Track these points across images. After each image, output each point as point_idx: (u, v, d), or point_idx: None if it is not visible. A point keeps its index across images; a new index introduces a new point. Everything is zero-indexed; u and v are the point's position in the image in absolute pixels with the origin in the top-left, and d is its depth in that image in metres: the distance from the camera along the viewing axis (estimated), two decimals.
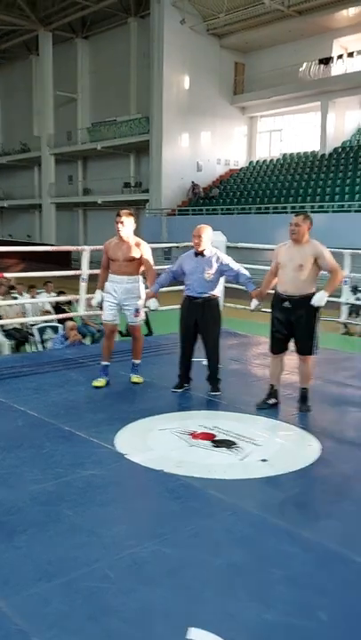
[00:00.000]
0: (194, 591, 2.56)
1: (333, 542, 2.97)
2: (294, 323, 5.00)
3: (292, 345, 5.19)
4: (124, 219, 5.53)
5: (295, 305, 4.94)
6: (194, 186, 29.85)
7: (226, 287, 8.12)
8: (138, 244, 5.62)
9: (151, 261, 5.72)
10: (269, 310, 5.22)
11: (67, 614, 2.40)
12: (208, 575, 2.68)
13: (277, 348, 5.21)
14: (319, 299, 4.85)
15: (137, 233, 5.74)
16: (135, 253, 5.59)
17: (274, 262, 5.16)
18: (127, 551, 2.85)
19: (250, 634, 2.30)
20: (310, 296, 4.90)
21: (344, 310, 8.53)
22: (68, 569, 2.70)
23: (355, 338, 12.65)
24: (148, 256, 5.69)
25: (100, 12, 31.54)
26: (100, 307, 5.89)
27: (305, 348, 5.06)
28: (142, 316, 5.79)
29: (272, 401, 5.22)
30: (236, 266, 5.56)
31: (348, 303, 8.58)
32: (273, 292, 5.20)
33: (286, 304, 4.99)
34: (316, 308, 4.95)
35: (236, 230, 18.49)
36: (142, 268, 5.73)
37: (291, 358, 5.43)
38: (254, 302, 5.40)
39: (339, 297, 8.25)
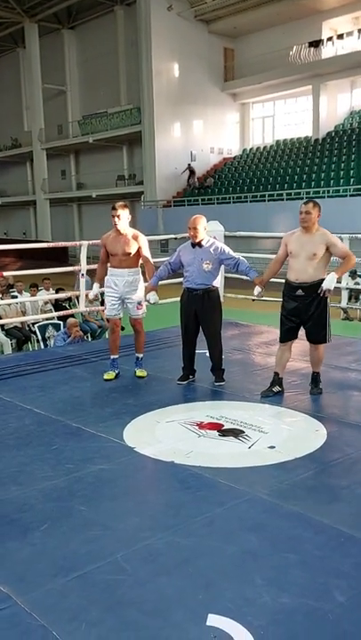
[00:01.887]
0: (210, 579, 2.59)
1: (345, 525, 3.01)
2: (306, 311, 5.01)
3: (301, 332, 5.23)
4: (120, 212, 5.50)
5: (308, 292, 4.95)
6: (190, 169, 29.63)
7: (226, 277, 8.13)
8: (135, 237, 5.61)
9: (149, 254, 5.71)
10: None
11: (85, 608, 2.43)
12: (223, 563, 2.71)
13: (288, 336, 5.23)
14: (330, 281, 4.85)
15: (133, 226, 5.74)
16: (133, 246, 5.58)
17: (282, 250, 5.15)
18: (141, 543, 2.88)
19: (268, 618, 2.33)
20: (321, 282, 4.91)
21: (344, 295, 8.53)
22: (83, 563, 2.73)
23: (355, 322, 12.71)
24: (146, 249, 5.68)
25: (86, 2, 31.27)
26: (102, 301, 5.89)
27: (319, 337, 5.09)
28: (145, 308, 5.79)
29: (276, 389, 5.26)
30: (234, 255, 5.57)
31: (348, 288, 8.59)
32: (283, 280, 5.19)
33: (299, 292, 5.00)
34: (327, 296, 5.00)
35: (233, 219, 18.47)
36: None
37: (295, 345, 5.45)
38: (257, 289, 5.40)
39: (339, 282, 8.25)
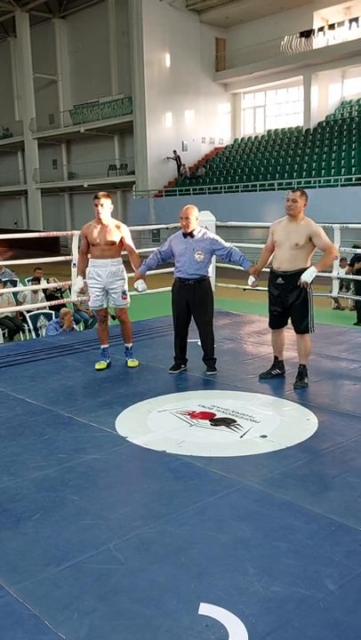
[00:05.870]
0: (202, 568, 2.59)
1: (336, 514, 3.02)
2: (288, 299, 5.06)
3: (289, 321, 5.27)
4: (103, 201, 5.46)
5: (289, 280, 5.00)
6: (177, 157, 29.55)
7: (217, 267, 8.12)
8: (118, 227, 5.56)
9: (132, 244, 5.67)
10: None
11: (77, 597, 2.43)
12: (215, 551, 2.72)
13: (275, 323, 5.32)
14: (309, 274, 4.91)
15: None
16: (116, 236, 5.53)
17: (270, 239, 5.20)
18: (134, 532, 2.89)
19: (260, 607, 2.34)
20: (303, 271, 4.95)
21: (335, 285, 8.54)
22: (76, 552, 2.73)
23: (346, 312, 12.74)
24: (129, 239, 5.65)
25: None
26: (83, 292, 5.82)
27: (301, 326, 5.13)
28: (129, 298, 5.76)
29: (276, 371, 5.37)
30: (226, 244, 5.56)
31: (339, 277, 8.60)
32: (269, 269, 5.25)
33: (280, 280, 5.07)
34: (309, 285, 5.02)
35: (224, 209, 18.44)
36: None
37: (289, 334, 5.47)
38: (251, 279, 5.44)
39: (330, 272, 8.26)
